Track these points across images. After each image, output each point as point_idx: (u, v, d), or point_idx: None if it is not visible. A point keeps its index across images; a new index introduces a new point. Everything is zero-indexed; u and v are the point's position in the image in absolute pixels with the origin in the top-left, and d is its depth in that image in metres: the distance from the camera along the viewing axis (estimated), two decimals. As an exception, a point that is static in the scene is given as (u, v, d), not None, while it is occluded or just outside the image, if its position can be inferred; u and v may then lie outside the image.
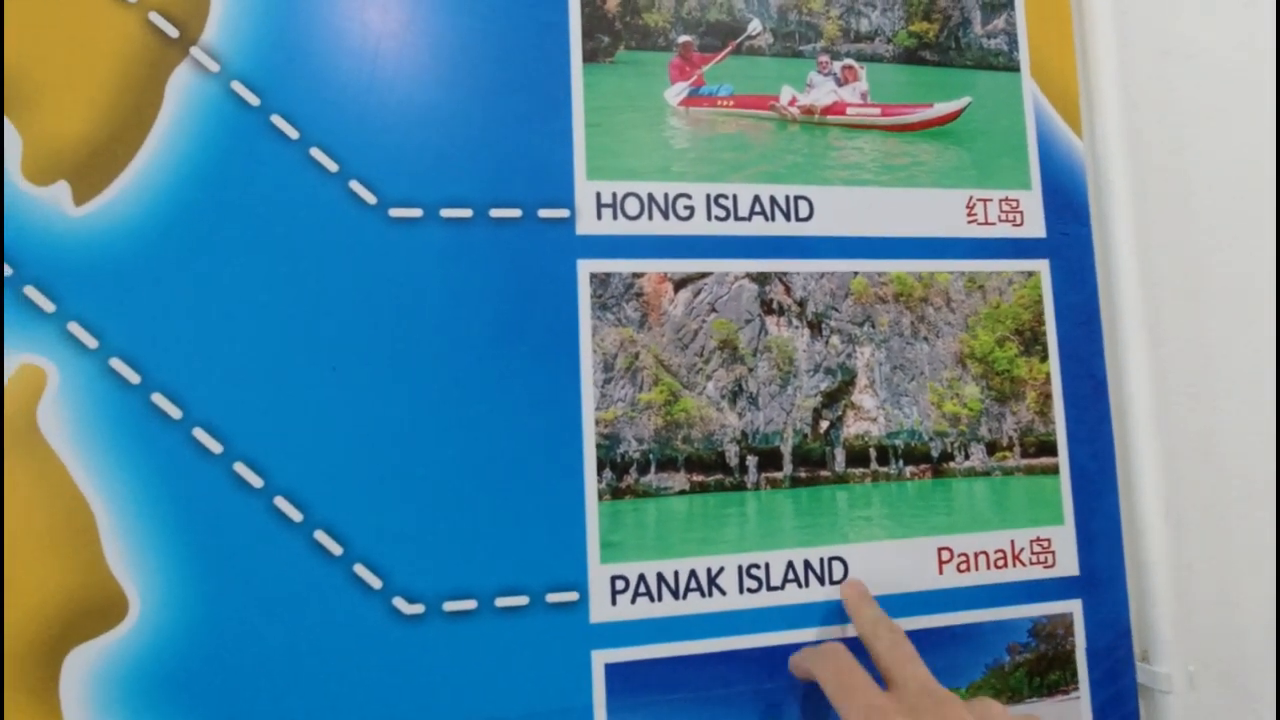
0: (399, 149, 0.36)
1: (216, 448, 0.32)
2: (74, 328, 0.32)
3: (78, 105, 0.33)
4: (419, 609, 0.33)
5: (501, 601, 0.34)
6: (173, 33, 0.34)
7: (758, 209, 0.39)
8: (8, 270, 0.32)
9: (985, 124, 0.43)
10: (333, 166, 0.35)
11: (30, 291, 0.32)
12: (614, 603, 0.35)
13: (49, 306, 0.32)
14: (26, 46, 0.33)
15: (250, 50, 0.35)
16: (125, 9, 0.34)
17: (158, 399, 0.32)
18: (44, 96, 0.33)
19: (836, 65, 0.42)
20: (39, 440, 0.31)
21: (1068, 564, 0.40)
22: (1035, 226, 0.43)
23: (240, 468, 0.32)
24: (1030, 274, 0.42)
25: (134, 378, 0.32)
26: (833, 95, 0.41)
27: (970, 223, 0.42)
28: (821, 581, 0.37)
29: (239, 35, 0.35)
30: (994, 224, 0.42)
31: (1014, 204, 0.43)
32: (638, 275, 0.38)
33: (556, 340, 0.36)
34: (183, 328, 0.33)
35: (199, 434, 0.32)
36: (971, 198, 0.42)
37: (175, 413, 0.32)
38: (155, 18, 0.34)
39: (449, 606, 0.33)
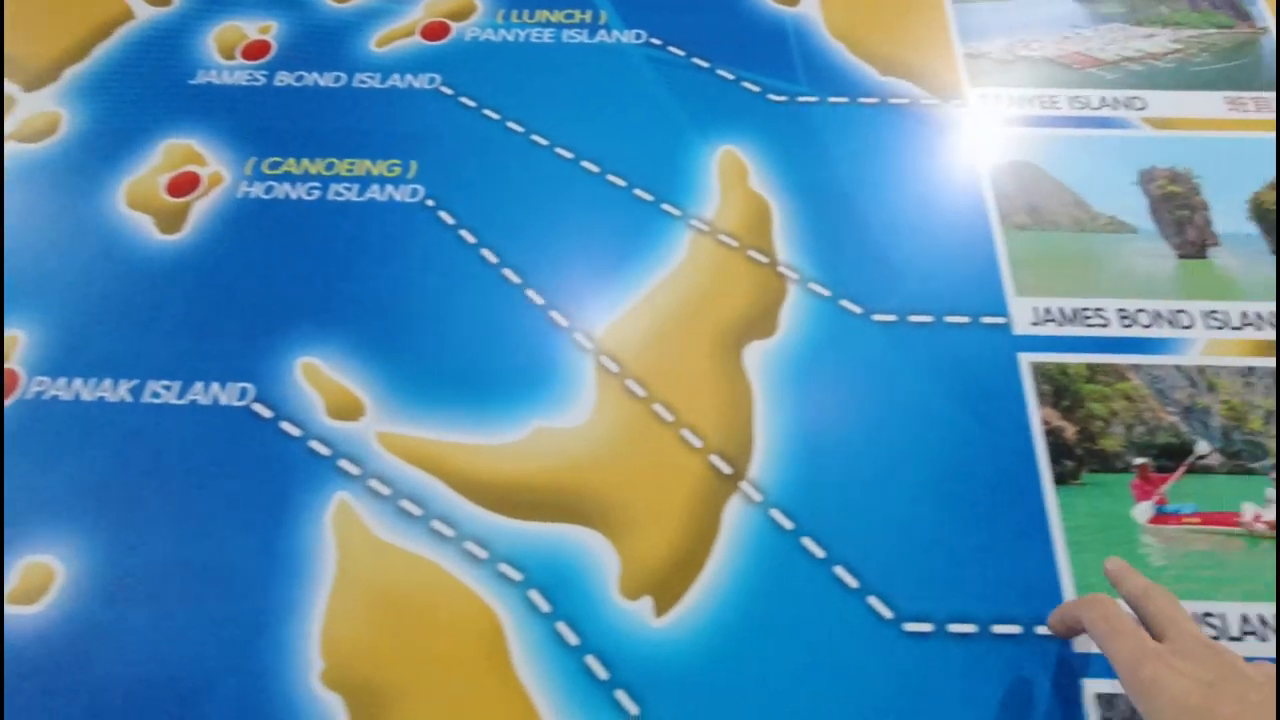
0: (910, 567, 0.41)
1: None
2: (649, 731, 0.37)
3: (661, 533, 0.41)
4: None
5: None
6: (727, 470, 0.43)
7: (1248, 628, 0.40)
8: (604, 674, 0.38)
9: None
10: (853, 583, 0.40)
11: (620, 695, 0.38)
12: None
13: (634, 709, 0.38)
14: (626, 482, 0.43)
15: (784, 482, 0.43)
16: (694, 452, 0.44)
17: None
18: (638, 527, 0.42)
19: (1293, 481, 0.44)
20: None
21: None
22: None
23: None
24: None
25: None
26: (1297, 512, 0.43)
27: None
28: None
29: (776, 471, 0.43)
30: None
31: None
32: (1141, 698, 0.38)
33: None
34: (741, 737, 0.37)
35: None
36: None
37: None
38: (714, 459, 0.43)
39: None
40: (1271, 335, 0.48)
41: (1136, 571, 0.36)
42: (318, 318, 0.48)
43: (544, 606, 0.40)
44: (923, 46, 0.59)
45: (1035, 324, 0.48)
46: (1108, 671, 0.39)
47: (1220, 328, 0.48)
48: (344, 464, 0.43)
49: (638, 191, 0.52)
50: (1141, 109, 0.56)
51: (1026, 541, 0.42)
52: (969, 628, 0.40)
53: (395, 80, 0.57)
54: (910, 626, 0.40)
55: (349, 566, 0.41)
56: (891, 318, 0.48)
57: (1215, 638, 0.40)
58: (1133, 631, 0.31)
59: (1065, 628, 0.37)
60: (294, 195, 0.52)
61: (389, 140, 0.54)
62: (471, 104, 0.56)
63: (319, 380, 0.46)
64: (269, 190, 0.52)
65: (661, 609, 0.40)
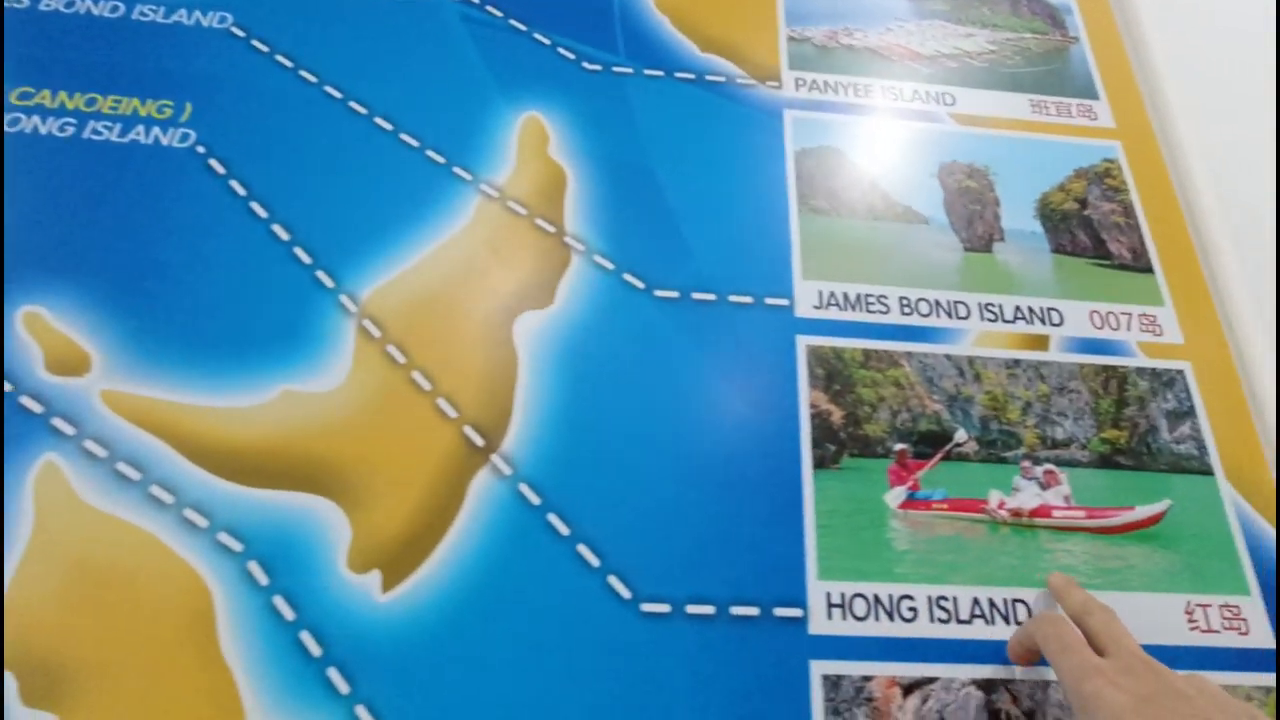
0: (656, 548, 0.40)
1: None
2: (360, 710, 0.35)
3: (400, 504, 0.39)
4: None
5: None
6: (479, 442, 0.41)
7: (977, 611, 0.41)
8: (316, 651, 0.36)
9: (1191, 527, 0.44)
10: (595, 562, 0.39)
11: (332, 673, 0.36)
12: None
13: (344, 688, 0.36)
14: (371, 451, 0.41)
15: (538, 457, 0.41)
16: (447, 422, 0.42)
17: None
18: (376, 498, 0.40)
19: (1038, 470, 0.45)
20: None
21: None
22: (1262, 636, 0.42)
23: None
24: (1268, 690, 0.41)
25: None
26: (1038, 498, 0.44)
27: (1193, 629, 0.42)
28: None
29: (531, 446, 0.42)
30: (1218, 632, 0.42)
31: (1235, 611, 0.42)
32: (867, 678, 0.39)
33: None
34: (457, 715, 0.35)
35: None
36: (1190, 603, 0.42)
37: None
38: (468, 430, 0.42)
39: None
40: (1041, 329, 0.49)
41: (1077, 586, 0.38)
42: (51, 265, 0.44)
43: (262, 579, 0.37)
44: (747, 26, 0.58)
45: (818, 307, 0.48)
46: (833, 654, 0.39)
47: (994, 320, 0.49)
48: (58, 422, 0.40)
49: (430, 153, 0.49)
50: (951, 104, 0.57)
51: (777, 524, 0.41)
52: (707, 609, 0.39)
53: (181, 16, 0.52)
54: (648, 607, 0.39)
55: (46, 534, 0.37)
56: (674, 294, 0.47)
57: (945, 621, 0.40)
58: (1079, 649, 0.33)
59: (1024, 650, 0.37)
60: (44, 130, 0.47)
61: (164, 80, 0.50)
62: (264, 49, 0.52)
63: (41, 331, 0.42)
64: (14, 123, 0.47)
65: (390, 584, 0.38)
